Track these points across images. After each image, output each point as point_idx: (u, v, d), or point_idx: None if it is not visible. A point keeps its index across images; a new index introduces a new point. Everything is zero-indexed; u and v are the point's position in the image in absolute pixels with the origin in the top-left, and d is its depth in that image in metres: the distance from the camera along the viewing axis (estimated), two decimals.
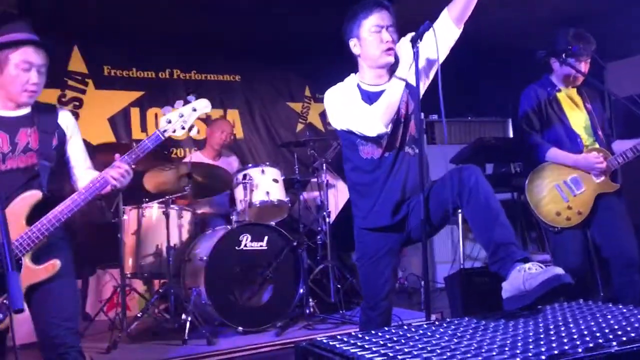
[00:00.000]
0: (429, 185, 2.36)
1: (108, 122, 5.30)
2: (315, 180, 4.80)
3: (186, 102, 2.36)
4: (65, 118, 2.36)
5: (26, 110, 2.31)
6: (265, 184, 4.20)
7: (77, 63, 5.21)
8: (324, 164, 4.57)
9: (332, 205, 4.89)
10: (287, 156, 5.75)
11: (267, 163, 4.37)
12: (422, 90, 2.45)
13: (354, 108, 2.36)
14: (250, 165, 4.37)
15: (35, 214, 2.19)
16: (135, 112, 5.38)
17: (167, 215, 3.92)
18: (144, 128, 5.39)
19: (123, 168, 2.24)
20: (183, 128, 2.33)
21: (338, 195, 5.04)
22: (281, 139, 5.81)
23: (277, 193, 4.22)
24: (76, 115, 5.06)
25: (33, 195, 2.21)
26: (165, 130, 2.30)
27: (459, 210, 2.81)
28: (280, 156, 5.76)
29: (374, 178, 2.39)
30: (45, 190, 2.22)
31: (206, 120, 5.44)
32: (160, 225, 4.01)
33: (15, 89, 2.23)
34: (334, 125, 2.48)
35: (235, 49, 5.61)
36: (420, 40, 2.24)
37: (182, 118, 2.34)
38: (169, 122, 2.33)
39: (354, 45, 2.43)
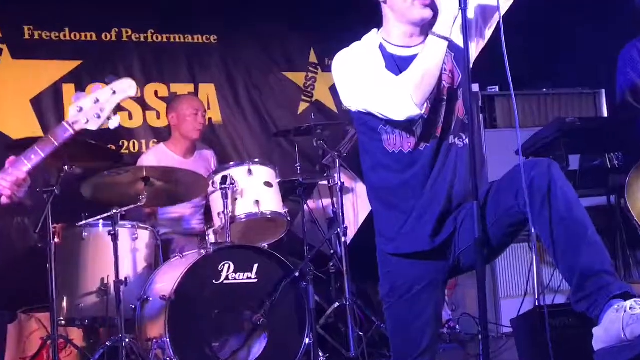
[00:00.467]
0: (486, 189, 2.35)
1: (31, 104, 5.33)
2: (325, 182, 4.83)
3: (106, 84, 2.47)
4: None
5: None
6: (254, 190, 4.20)
7: None
8: (338, 160, 4.58)
9: (349, 217, 4.90)
10: (286, 149, 5.74)
11: (257, 160, 4.38)
12: (474, 55, 2.44)
13: (374, 79, 2.37)
14: (232, 163, 4.37)
15: None
16: (69, 90, 5.39)
17: (115, 236, 3.93)
18: None
19: (14, 176, 2.32)
20: (98, 117, 2.44)
21: (358, 204, 5.05)
22: (276, 124, 5.81)
23: (271, 202, 4.23)
24: None
25: None
26: (75, 122, 2.42)
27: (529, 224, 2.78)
28: (276, 149, 5.75)
29: (404, 180, 2.39)
30: None
31: (168, 98, 5.48)
32: (105, 251, 4.04)
33: None
34: (346, 104, 2.51)
35: None
36: None
37: (98, 104, 2.44)
38: (80, 110, 2.43)
39: None
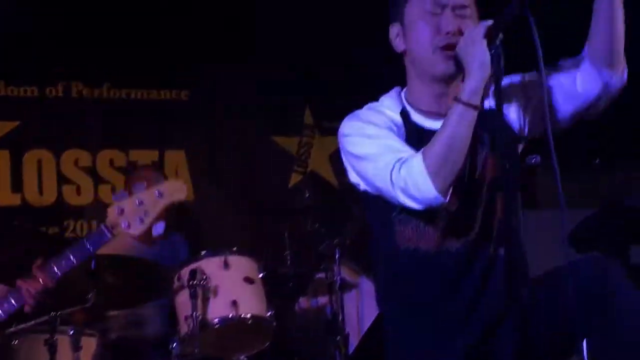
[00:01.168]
0: (528, 295, 2.27)
1: None
2: (322, 276, 4.77)
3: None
4: None
5: None
6: (231, 287, 4.15)
7: None
8: (338, 249, 4.55)
9: (352, 322, 4.86)
10: (273, 233, 5.66)
11: (235, 249, 4.33)
12: (525, 130, 2.42)
13: (386, 153, 2.34)
14: (203, 252, 4.30)
15: None
16: (2, 160, 5.41)
17: (52, 346, 3.83)
18: (17, 188, 5.41)
19: (43, 285, 2.63)
20: (141, 221, 2.62)
21: (363, 304, 5.01)
22: (262, 201, 5.81)
23: (252, 303, 4.17)
24: None
25: None
26: (115, 226, 2.60)
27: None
28: (261, 234, 5.70)
29: (421, 289, 2.35)
30: None
31: (127, 168, 5.51)
32: None
33: None
34: (352, 180, 2.48)
35: (180, 43, 5.71)
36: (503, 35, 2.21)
37: (142, 207, 2.62)
38: (121, 212, 2.60)
39: (395, 36, 2.47)
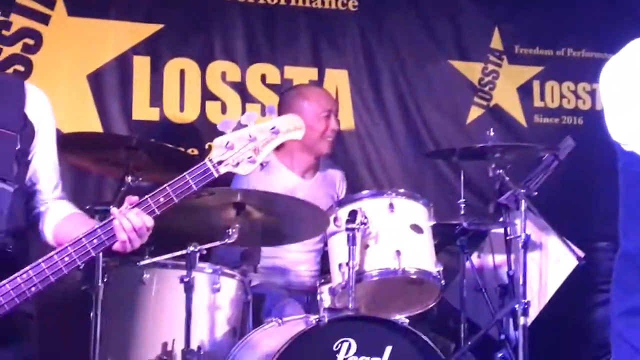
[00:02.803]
0: None
1: (88, 82, 5.43)
2: (500, 231, 4.76)
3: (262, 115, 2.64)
4: (37, 104, 2.78)
5: None
6: (396, 235, 4.16)
7: None
8: (524, 200, 4.49)
9: (533, 287, 4.81)
10: (445, 177, 5.72)
11: (402, 191, 4.32)
12: None
13: None
14: (366, 192, 4.35)
15: None
16: (141, 66, 5.49)
17: (189, 285, 3.92)
18: (156, 100, 5.50)
19: (141, 223, 2.50)
20: (252, 161, 2.61)
21: (547, 267, 4.96)
22: (434, 138, 5.81)
23: (419, 255, 4.18)
24: (26, 70, 5.23)
25: None
26: (221, 163, 2.60)
27: None
28: (431, 176, 5.74)
29: None
30: (3, 236, 2.57)
31: (281, 87, 5.51)
32: (173, 304, 4.07)
33: None
34: (618, 138, 2.32)
35: None
36: None
37: (253, 143, 2.60)
38: (230, 146, 2.57)
39: None
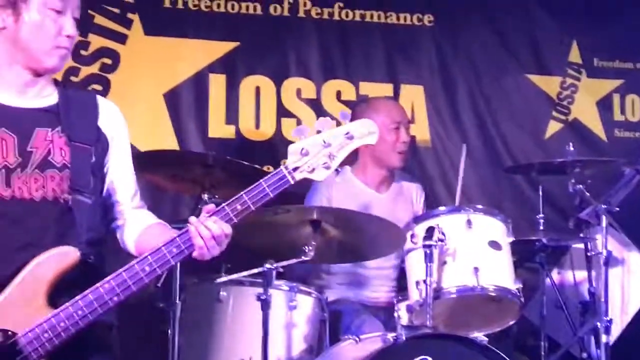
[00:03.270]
0: None
1: (164, 100, 5.51)
2: (581, 247, 4.72)
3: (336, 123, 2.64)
4: (110, 116, 2.83)
5: (47, 99, 2.73)
6: (474, 252, 4.12)
7: None
8: (605, 216, 4.43)
9: (615, 305, 4.74)
10: (524, 192, 5.67)
11: (480, 207, 4.29)
12: None
13: None
14: (443, 208, 4.31)
15: (63, 288, 2.52)
16: (217, 84, 5.55)
17: (265, 302, 3.94)
18: (232, 118, 5.55)
19: (220, 230, 2.55)
20: (327, 167, 2.62)
21: (630, 284, 4.91)
22: (512, 153, 5.78)
23: (497, 272, 4.13)
24: (104, 90, 5.34)
25: (65, 256, 2.54)
26: (296, 168, 2.61)
27: None
28: (509, 191, 5.71)
29: None
30: (85, 247, 2.58)
31: (355, 103, 5.49)
32: (250, 322, 4.08)
33: (43, 44, 2.65)
34: None
35: None
36: None
37: (327, 149, 2.60)
38: (305, 153, 2.58)
39: None
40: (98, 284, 2.50)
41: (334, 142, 2.62)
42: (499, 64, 5.92)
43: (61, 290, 2.51)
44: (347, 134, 2.64)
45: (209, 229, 2.53)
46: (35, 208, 2.58)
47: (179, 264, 3.78)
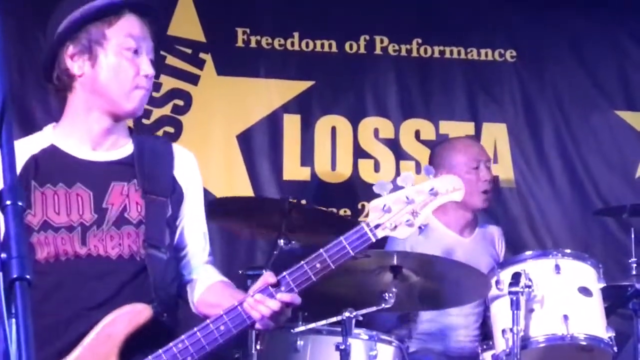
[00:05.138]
0: None
1: (237, 142, 5.56)
2: None
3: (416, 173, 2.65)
4: (185, 165, 2.86)
5: (121, 150, 2.78)
6: (563, 299, 4.11)
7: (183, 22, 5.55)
8: None
9: None
10: (615, 235, 5.59)
11: (569, 251, 4.28)
12: None
13: None
14: (529, 253, 4.31)
15: (136, 347, 2.56)
16: (292, 124, 5.59)
17: (345, 353, 3.91)
18: (307, 159, 5.58)
19: (275, 306, 2.55)
20: (410, 224, 2.61)
21: None
22: (601, 194, 5.71)
23: (588, 320, 4.10)
24: (176, 132, 5.39)
25: (138, 314, 2.58)
26: (378, 225, 2.60)
27: None
28: (599, 234, 5.64)
29: None
30: (158, 304, 2.62)
31: (434, 143, 5.47)
32: None
33: (122, 86, 2.69)
34: None
35: None
36: None
37: (411, 206, 2.61)
38: (387, 209, 2.57)
39: None
40: (171, 344, 2.52)
41: (417, 198, 2.61)
42: (587, 100, 5.87)
43: (133, 348, 2.54)
44: (431, 190, 2.63)
45: (270, 308, 2.55)
46: (111, 266, 2.62)
47: None
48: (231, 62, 5.55)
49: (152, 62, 2.75)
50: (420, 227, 2.64)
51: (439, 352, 4.65)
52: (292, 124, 5.57)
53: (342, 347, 3.90)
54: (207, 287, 2.82)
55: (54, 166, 2.69)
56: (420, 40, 5.71)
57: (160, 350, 2.51)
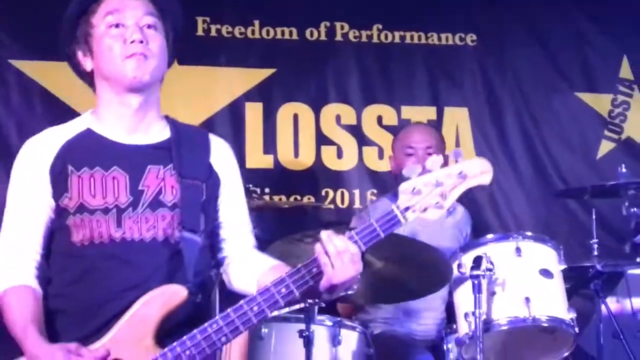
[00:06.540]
0: None
1: None
2: (638, 272, 4.74)
3: (444, 162, 2.66)
4: (222, 154, 2.91)
5: (158, 134, 2.82)
6: (524, 281, 4.10)
7: None
8: None
9: None
10: (576, 216, 5.67)
11: (530, 234, 4.28)
12: None
13: None
14: (490, 236, 4.28)
15: (171, 327, 2.60)
16: (254, 113, 5.63)
17: (308, 339, 3.95)
18: (270, 147, 5.62)
19: (345, 247, 2.52)
20: (439, 206, 2.62)
21: None
22: (562, 175, 5.77)
23: (550, 302, 4.09)
24: None
25: (173, 295, 2.61)
26: (408, 208, 2.61)
27: None
28: (560, 216, 5.69)
29: None
30: (192, 286, 2.64)
31: (397, 129, 5.45)
32: (293, 359, 4.07)
33: (115, 61, 2.71)
34: None
35: None
36: None
37: (440, 188, 2.61)
38: (416, 192, 2.60)
39: None
40: (206, 324, 2.55)
41: (446, 181, 2.62)
42: (547, 83, 5.93)
43: (169, 329, 2.58)
44: (460, 173, 2.64)
45: (335, 245, 2.52)
46: (145, 249, 2.65)
47: (217, 299, 3.85)
48: (192, 52, 5.52)
49: (151, 25, 2.76)
50: (448, 210, 2.68)
51: (404, 335, 4.65)
52: (254, 112, 5.60)
53: (306, 333, 3.94)
54: (269, 268, 2.80)
55: (90, 149, 2.73)
56: (380, 26, 5.76)
57: (195, 330, 2.54)
